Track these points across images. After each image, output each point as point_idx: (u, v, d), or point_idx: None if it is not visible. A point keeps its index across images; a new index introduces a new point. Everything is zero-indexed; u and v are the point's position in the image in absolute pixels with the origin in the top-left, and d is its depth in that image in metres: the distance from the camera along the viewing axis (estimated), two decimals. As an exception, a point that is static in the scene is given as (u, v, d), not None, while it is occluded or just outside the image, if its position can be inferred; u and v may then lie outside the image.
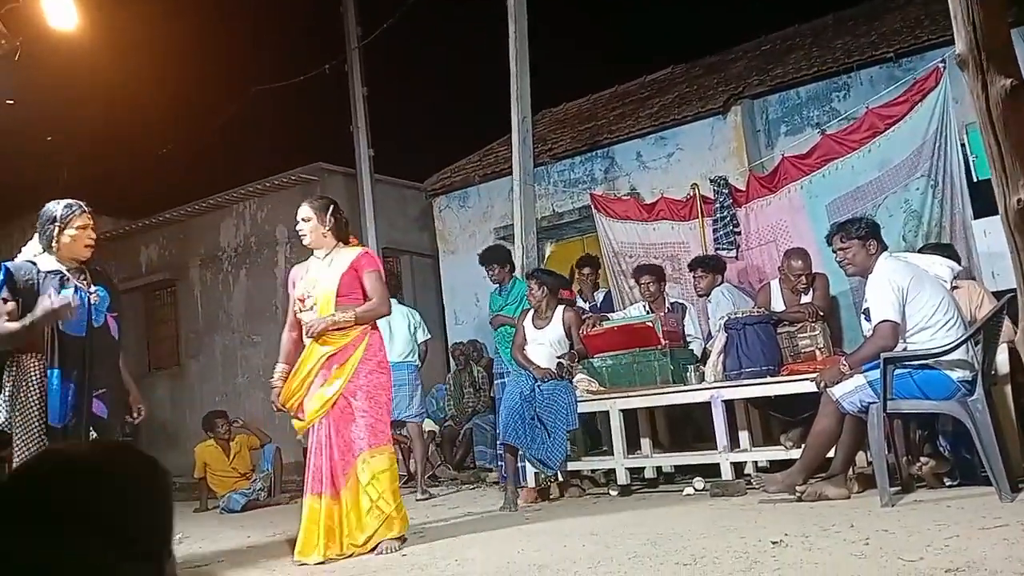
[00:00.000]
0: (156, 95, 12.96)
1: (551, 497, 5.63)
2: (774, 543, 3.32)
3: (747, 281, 6.59)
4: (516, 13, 7.56)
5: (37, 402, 3.59)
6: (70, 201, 3.84)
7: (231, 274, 11.62)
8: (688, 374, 5.37)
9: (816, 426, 4.33)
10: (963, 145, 5.91)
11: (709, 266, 6.19)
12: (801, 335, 5.23)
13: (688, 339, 6.02)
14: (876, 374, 4.04)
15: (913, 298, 4.09)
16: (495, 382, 6.87)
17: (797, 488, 4.24)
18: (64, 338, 3.65)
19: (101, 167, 12.46)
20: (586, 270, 7.11)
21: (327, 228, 4.31)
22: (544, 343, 5.80)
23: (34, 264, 3.74)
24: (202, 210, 11.90)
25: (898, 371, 4.09)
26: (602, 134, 9.14)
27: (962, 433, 4.09)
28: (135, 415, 4.00)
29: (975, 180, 5.60)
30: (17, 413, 3.59)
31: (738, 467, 5.17)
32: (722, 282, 6.12)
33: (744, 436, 5.30)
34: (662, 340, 5.54)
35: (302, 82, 10.48)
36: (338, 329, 4.19)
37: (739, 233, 6.76)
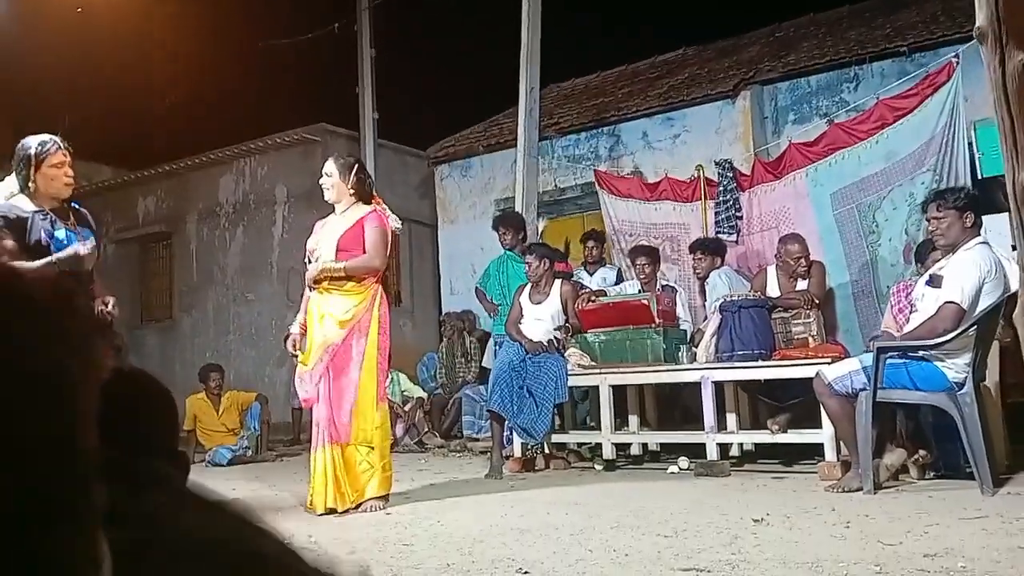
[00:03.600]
0: (163, 46, 12.86)
1: (536, 468, 5.66)
2: (755, 521, 3.34)
3: (746, 266, 6.59)
4: (530, -18, 7.48)
5: None
6: (45, 137, 3.67)
7: (228, 230, 11.56)
8: (680, 354, 5.38)
9: (830, 415, 4.32)
10: (970, 144, 5.89)
11: (709, 249, 6.19)
12: (795, 321, 5.24)
13: (678, 321, 6.03)
14: (870, 359, 4.05)
15: (988, 291, 3.99)
16: (493, 347, 6.88)
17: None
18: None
19: (104, 114, 12.37)
20: (590, 243, 7.11)
21: (349, 185, 4.40)
22: (542, 318, 5.79)
23: (16, 204, 3.61)
24: (202, 164, 11.82)
25: (892, 360, 4.10)
26: (609, 111, 9.09)
27: (947, 427, 4.11)
28: (106, 306, 3.73)
29: (980, 177, 5.58)
30: None
31: (724, 448, 5.19)
32: (721, 265, 6.13)
33: (732, 418, 5.32)
34: (656, 319, 5.55)
35: (310, 40, 10.39)
36: (338, 280, 4.25)
37: (741, 217, 6.75)
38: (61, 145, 3.68)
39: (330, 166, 4.47)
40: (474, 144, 10.14)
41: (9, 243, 3.46)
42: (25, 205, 3.62)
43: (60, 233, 3.63)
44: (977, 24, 1.43)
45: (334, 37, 10.25)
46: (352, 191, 4.41)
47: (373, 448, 4.19)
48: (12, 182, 3.68)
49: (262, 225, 11.19)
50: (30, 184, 3.61)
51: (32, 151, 3.61)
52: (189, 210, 11.99)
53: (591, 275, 6.96)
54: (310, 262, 4.40)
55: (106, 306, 3.73)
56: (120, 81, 13.25)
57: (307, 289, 4.42)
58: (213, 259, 11.67)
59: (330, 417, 4.20)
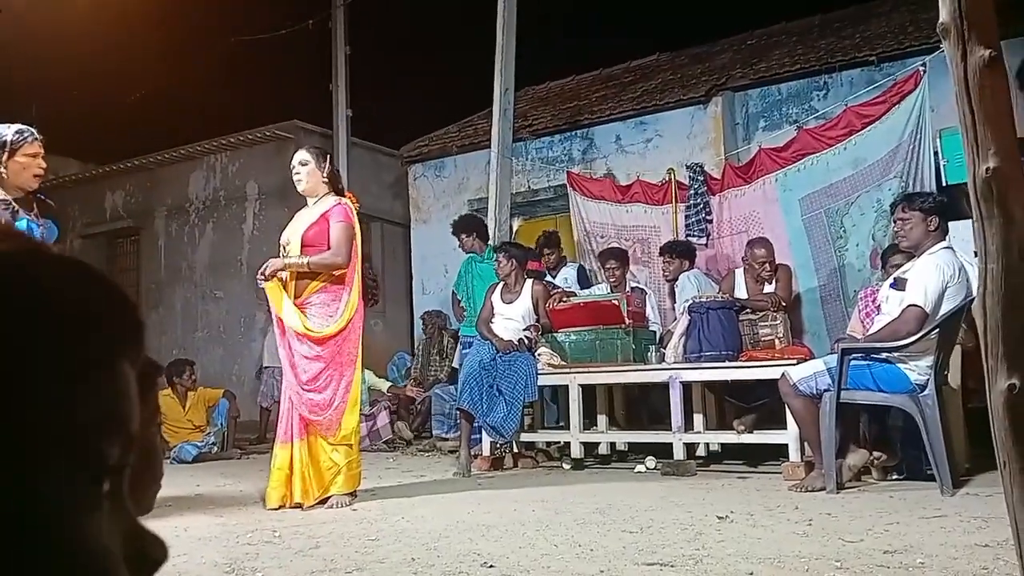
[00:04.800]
0: (134, 38, 12.70)
1: (505, 467, 5.66)
2: (719, 518, 3.37)
3: (715, 268, 6.65)
4: (506, -17, 7.50)
5: None
6: (21, 126, 3.63)
7: (197, 227, 11.44)
8: (649, 354, 5.41)
9: (794, 415, 4.36)
10: (936, 152, 6.00)
11: (677, 252, 6.24)
12: (762, 323, 5.30)
13: (647, 322, 6.07)
14: (835, 360, 4.10)
15: (951, 295, 4.04)
16: (460, 351, 6.89)
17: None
18: None
19: (72, 107, 12.19)
20: (547, 251, 7.08)
21: (324, 175, 4.33)
22: (512, 317, 5.79)
23: None
24: (172, 159, 11.69)
25: (856, 362, 4.15)
26: (583, 114, 9.13)
27: (911, 430, 4.17)
28: None
29: (945, 184, 5.68)
30: None
31: (690, 448, 5.23)
32: (690, 268, 6.18)
33: (699, 419, 5.36)
34: (626, 319, 5.57)
35: (284, 36, 10.32)
36: (305, 276, 4.21)
37: (711, 221, 6.81)
38: (37, 136, 3.64)
39: (304, 155, 4.37)
40: (448, 144, 10.13)
41: None
42: None
43: (21, 223, 3.56)
44: (941, 20, 1.45)
45: (308, 33, 10.19)
46: (326, 180, 4.34)
47: (350, 446, 4.17)
48: None
49: (232, 222, 11.09)
50: (1, 171, 3.56)
51: (8, 138, 3.56)
52: (158, 206, 11.85)
53: (554, 278, 6.96)
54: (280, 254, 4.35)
55: None
56: (89, 74, 13.06)
57: (257, 282, 4.31)
58: (182, 255, 11.54)
59: (301, 413, 4.16)
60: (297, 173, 4.35)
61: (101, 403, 0.42)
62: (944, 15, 1.42)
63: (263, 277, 4.24)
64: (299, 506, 4.06)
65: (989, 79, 1.36)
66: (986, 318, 1.33)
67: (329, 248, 4.21)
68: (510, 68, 7.62)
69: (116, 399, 0.43)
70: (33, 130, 3.65)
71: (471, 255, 6.66)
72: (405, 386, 8.15)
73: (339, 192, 4.42)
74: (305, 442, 4.15)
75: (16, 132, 3.60)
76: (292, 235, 4.30)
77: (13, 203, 3.59)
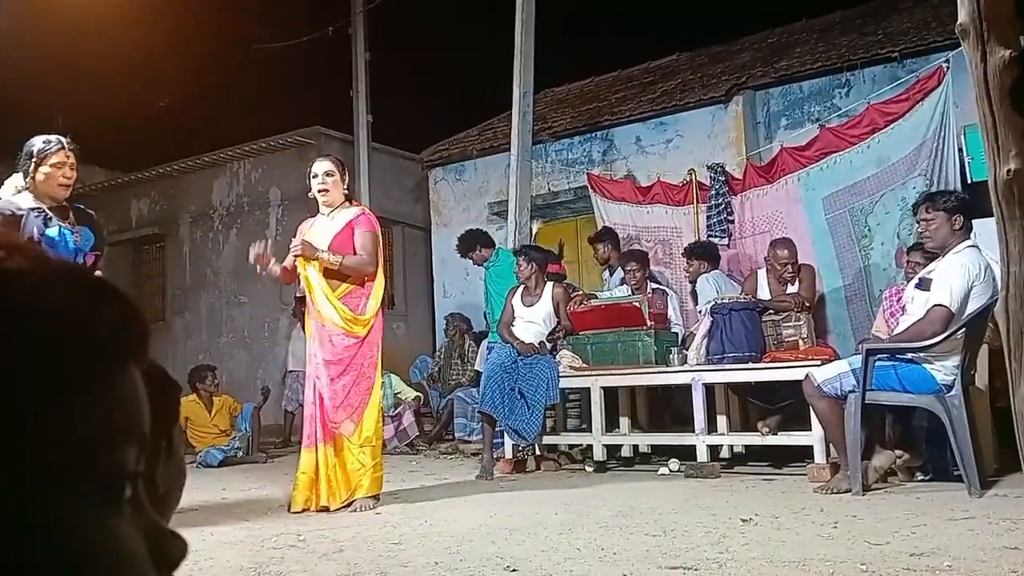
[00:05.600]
0: (157, 47, 12.85)
1: (527, 469, 5.66)
2: (744, 521, 3.35)
3: (738, 269, 6.61)
4: (525, -14, 7.51)
5: None
6: (50, 136, 3.70)
7: (221, 233, 11.55)
8: (671, 356, 5.39)
9: (819, 417, 4.33)
10: (960, 148, 5.93)
11: (694, 254, 6.22)
12: (786, 324, 5.26)
13: (669, 324, 6.04)
14: (859, 361, 4.06)
15: (977, 295, 3.99)
16: (484, 352, 6.91)
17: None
18: None
19: (97, 116, 12.35)
20: (598, 245, 6.97)
21: (345, 185, 4.39)
22: (534, 320, 5.79)
23: (12, 201, 3.64)
24: (196, 167, 11.81)
25: (881, 363, 4.11)
26: (602, 116, 9.11)
27: (937, 430, 4.13)
28: None
29: (970, 181, 5.61)
30: None
31: (714, 450, 5.20)
32: (710, 269, 6.13)
33: (722, 420, 5.33)
34: (648, 321, 5.56)
35: (305, 43, 10.39)
36: (331, 278, 4.22)
37: (732, 221, 6.77)
38: (65, 146, 3.68)
39: (329, 165, 4.38)
40: (468, 148, 10.15)
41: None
42: (22, 202, 3.65)
43: (52, 231, 3.62)
44: (959, 21, 1.44)
45: (328, 40, 10.26)
46: (346, 191, 4.41)
47: (374, 446, 4.20)
48: (16, 180, 3.72)
49: (256, 228, 11.17)
50: (27, 180, 3.65)
51: (35, 148, 3.65)
52: (182, 212, 11.98)
53: (611, 274, 6.87)
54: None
55: None
56: (114, 83, 13.23)
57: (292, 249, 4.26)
58: (206, 261, 11.65)
59: (323, 417, 4.19)
60: (323, 183, 4.33)
61: (108, 415, 0.43)
62: (963, 16, 1.40)
63: (294, 254, 4.23)
64: (325, 509, 4.09)
65: (1009, 79, 1.35)
66: (1008, 321, 1.32)
67: (355, 254, 4.24)
68: (529, 71, 7.64)
69: (123, 410, 0.44)
70: (63, 140, 3.69)
71: (484, 264, 6.74)
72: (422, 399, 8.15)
73: (351, 200, 4.47)
74: (331, 445, 4.18)
75: (43, 142, 3.67)
76: (316, 242, 4.31)
77: (47, 211, 3.65)
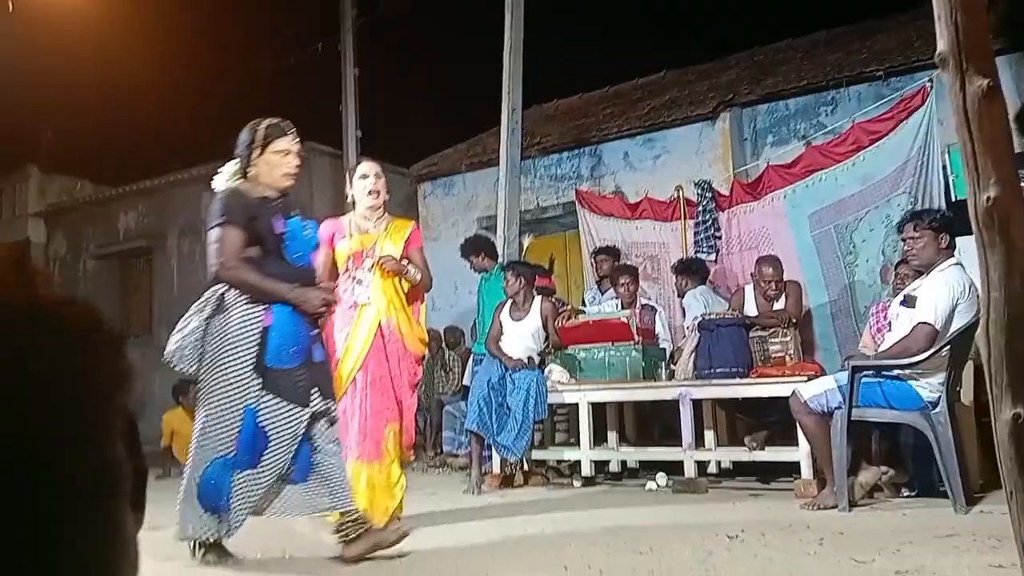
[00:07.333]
0: (147, 64, 12.85)
1: (515, 484, 5.65)
2: (730, 537, 3.36)
3: (725, 284, 6.65)
4: (513, 3, 7.57)
5: (256, 341, 3.09)
6: (274, 120, 3.31)
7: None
8: (659, 371, 5.41)
9: (805, 433, 4.35)
10: (944, 167, 6.00)
11: (680, 270, 6.28)
12: (772, 340, 5.29)
13: (657, 339, 6.07)
14: (845, 378, 4.09)
15: (961, 312, 4.01)
16: (472, 366, 6.90)
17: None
18: (288, 273, 3.20)
19: (85, 130, 12.34)
20: (601, 256, 6.94)
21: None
22: (523, 335, 5.79)
23: (238, 189, 3.25)
24: (184, 180, 11.79)
25: (867, 379, 4.14)
26: (591, 132, 9.18)
27: (923, 447, 4.15)
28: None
29: (954, 199, 5.68)
30: (225, 354, 3.08)
31: (701, 466, 5.21)
32: (695, 285, 6.17)
33: (709, 435, 5.35)
34: (636, 336, 5.58)
35: (294, 59, 10.42)
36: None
37: (719, 237, 6.82)
38: (287, 132, 3.30)
39: (378, 168, 3.98)
40: (457, 162, 10.19)
41: (241, 238, 3.16)
42: (247, 191, 3.26)
43: (293, 222, 3.27)
44: (939, 50, 1.47)
45: (317, 56, 10.29)
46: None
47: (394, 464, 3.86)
48: (229, 170, 3.34)
49: (243, 241, 11.14)
50: (249, 169, 3.27)
51: (259, 132, 3.27)
52: (170, 226, 11.95)
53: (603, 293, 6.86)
54: (348, 268, 3.90)
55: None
56: (103, 97, 13.22)
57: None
58: (194, 275, 11.60)
59: (360, 434, 3.76)
60: (375, 185, 3.93)
61: (88, 442, 0.45)
62: (942, 45, 1.44)
63: (384, 267, 3.80)
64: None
65: (987, 107, 1.38)
66: (990, 347, 1.34)
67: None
68: (517, 88, 7.69)
69: (102, 436, 0.46)
70: (287, 124, 3.32)
71: (482, 274, 6.71)
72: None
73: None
74: (374, 464, 3.77)
75: (268, 125, 3.29)
76: (372, 250, 3.90)
77: (276, 202, 3.27)
